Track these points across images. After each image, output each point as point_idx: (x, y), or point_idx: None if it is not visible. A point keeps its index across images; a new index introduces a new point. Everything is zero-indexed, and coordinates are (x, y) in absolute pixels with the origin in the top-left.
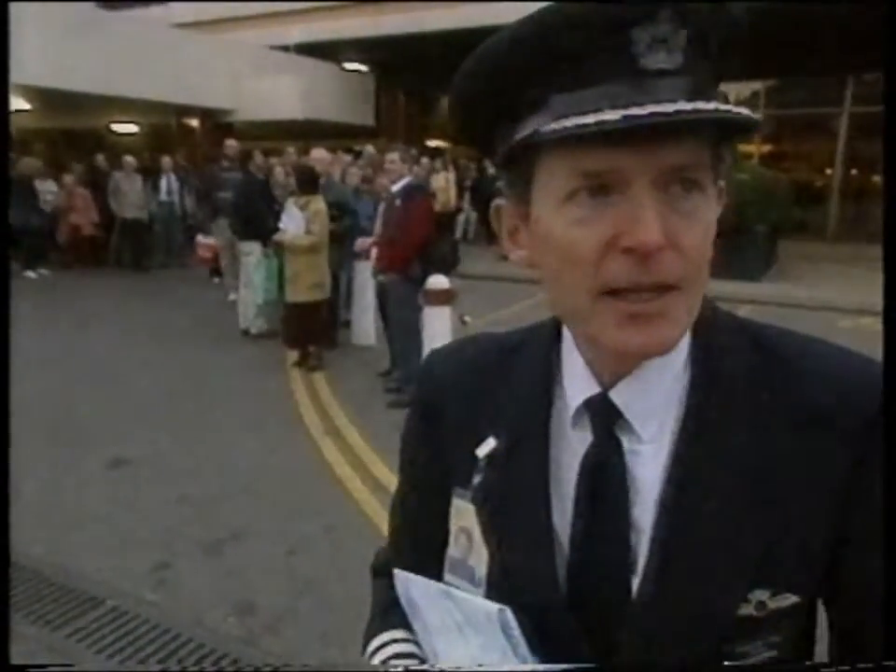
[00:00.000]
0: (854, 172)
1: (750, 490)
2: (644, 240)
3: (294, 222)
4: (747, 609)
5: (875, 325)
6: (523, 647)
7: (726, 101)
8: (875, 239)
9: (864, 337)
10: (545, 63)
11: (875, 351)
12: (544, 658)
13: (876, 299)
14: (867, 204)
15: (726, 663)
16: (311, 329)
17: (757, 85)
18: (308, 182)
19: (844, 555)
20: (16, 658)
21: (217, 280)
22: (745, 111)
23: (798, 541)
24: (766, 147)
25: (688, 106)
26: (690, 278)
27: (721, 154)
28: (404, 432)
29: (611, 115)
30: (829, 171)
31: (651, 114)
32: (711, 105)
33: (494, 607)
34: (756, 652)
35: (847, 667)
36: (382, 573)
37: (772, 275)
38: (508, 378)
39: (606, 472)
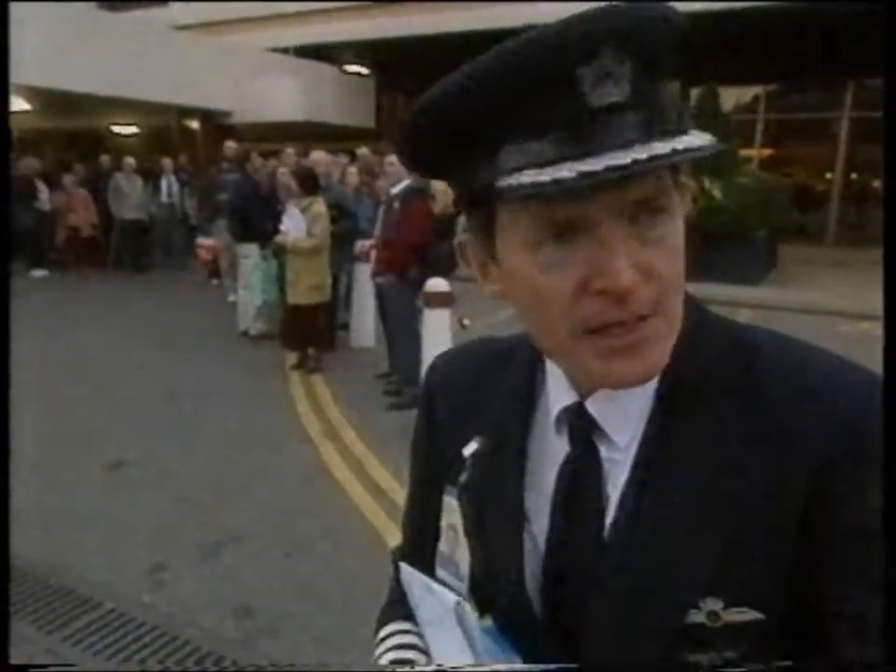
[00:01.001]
0: (854, 176)
1: (708, 496)
2: (616, 283)
3: (295, 224)
4: (697, 617)
5: (875, 329)
6: (479, 641)
7: (682, 120)
8: (875, 243)
9: (864, 341)
10: (493, 113)
11: (876, 355)
12: (511, 654)
13: (876, 303)
14: (867, 209)
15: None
16: (311, 331)
17: (757, 89)
18: (309, 183)
19: (802, 571)
20: (12, 660)
21: (215, 282)
22: (701, 143)
23: (757, 552)
24: (766, 152)
25: (643, 154)
26: (665, 302)
27: (679, 171)
28: (413, 436)
29: (566, 172)
30: (829, 175)
31: (606, 168)
32: (668, 148)
33: (452, 599)
34: (708, 665)
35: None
36: (396, 566)
37: (772, 279)
38: (496, 382)
39: (582, 480)
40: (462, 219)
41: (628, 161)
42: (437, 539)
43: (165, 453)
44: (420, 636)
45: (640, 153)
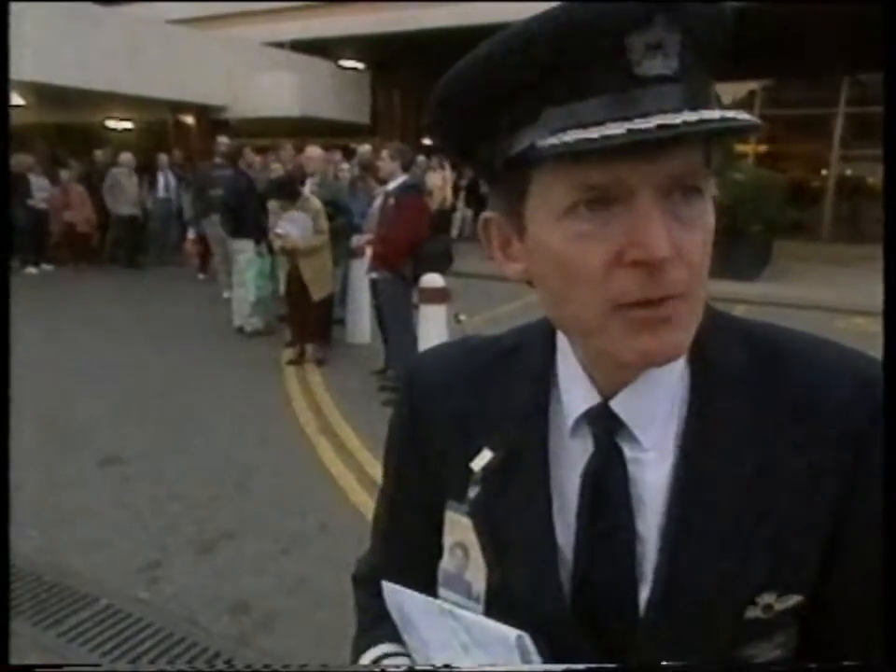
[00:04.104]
0: (849, 172)
1: (755, 492)
2: (654, 253)
3: (300, 224)
4: (754, 613)
5: (870, 325)
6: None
7: (720, 102)
8: (870, 239)
9: (859, 337)
10: (537, 75)
11: (871, 351)
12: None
13: (871, 299)
14: (862, 205)
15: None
16: (327, 322)
17: (753, 85)
18: (287, 189)
19: (835, 554)
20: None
21: (201, 276)
22: (748, 116)
23: (802, 541)
24: (762, 147)
25: (694, 117)
26: (692, 286)
27: (712, 154)
28: (389, 438)
29: (615, 129)
30: (824, 171)
31: (659, 126)
32: (717, 114)
33: (512, 633)
34: (764, 654)
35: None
36: (365, 582)
37: (767, 275)
38: (501, 386)
39: (608, 482)
40: (458, 215)
41: (678, 121)
42: (430, 555)
43: (160, 448)
44: (410, 658)
45: (690, 117)
